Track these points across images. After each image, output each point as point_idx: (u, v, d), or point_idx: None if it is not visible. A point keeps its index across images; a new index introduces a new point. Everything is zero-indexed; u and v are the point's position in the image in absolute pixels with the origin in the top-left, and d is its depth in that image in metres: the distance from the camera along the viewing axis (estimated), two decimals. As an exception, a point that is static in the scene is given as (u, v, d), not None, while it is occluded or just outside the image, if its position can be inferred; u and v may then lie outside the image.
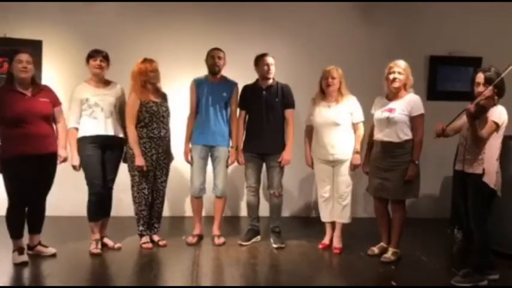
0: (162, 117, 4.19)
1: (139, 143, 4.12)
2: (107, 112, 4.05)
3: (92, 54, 4.04)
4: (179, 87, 4.72)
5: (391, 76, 3.91)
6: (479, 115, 3.39)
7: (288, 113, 4.37)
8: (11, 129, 3.68)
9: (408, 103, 3.90)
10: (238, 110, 4.48)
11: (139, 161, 4.09)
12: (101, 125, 4.03)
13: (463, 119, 3.56)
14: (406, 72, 3.92)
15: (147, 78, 4.14)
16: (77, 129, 4.03)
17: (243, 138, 4.46)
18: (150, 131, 4.16)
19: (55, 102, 3.92)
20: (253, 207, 4.51)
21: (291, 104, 4.38)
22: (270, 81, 4.37)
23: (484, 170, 3.43)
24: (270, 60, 4.32)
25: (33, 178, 3.76)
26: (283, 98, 4.35)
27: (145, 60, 4.15)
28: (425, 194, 5.33)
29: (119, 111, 4.17)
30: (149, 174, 4.19)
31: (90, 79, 4.09)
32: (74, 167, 4.03)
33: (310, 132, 4.36)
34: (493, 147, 3.46)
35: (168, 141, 4.34)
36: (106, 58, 4.07)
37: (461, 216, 3.89)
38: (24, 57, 3.71)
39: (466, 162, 3.54)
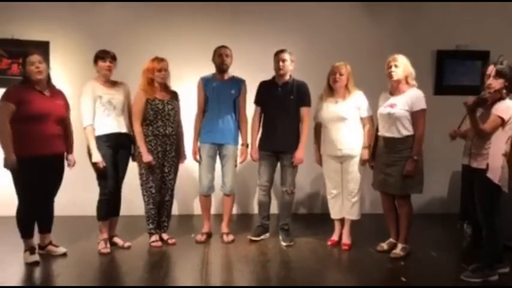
0: (168, 115, 4.19)
1: (145, 140, 4.15)
2: (119, 110, 4.08)
3: (101, 56, 4.04)
4: (186, 85, 4.71)
5: (388, 70, 3.90)
6: (476, 107, 3.32)
7: (303, 111, 4.29)
8: (25, 128, 3.65)
9: (410, 98, 3.86)
10: (254, 105, 4.43)
11: (146, 157, 4.11)
12: (114, 122, 4.06)
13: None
14: (403, 64, 3.88)
15: (154, 77, 4.16)
16: (93, 126, 4.00)
17: (259, 135, 4.43)
18: (155, 128, 4.17)
19: (67, 107, 3.96)
20: (264, 206, 4.50)
21: (306, 102, 4.30)
22: (286, 77, 4.31)
23: (487, 165, 3.39)
24: (284, 56, 4.25)
25: (43, 178, 3.78)
26: (298, 95, 4.27)
27: (155, 59, 4.17)
28: (435, 189, 5.33)
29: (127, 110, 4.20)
30: (156, 172, 4.20)
31: (99, 78, 4.09)
32: (97, 165, 3.96)
33: (319, 129, 4.34)
34: (499, 142, 3.40)
35: (178, 139, 4.34)
36: (114, 58, 4.09)
37: (470, 211, 3.87)
38: (35, 58, 3.72)
39: (472, 157, 3.51)
